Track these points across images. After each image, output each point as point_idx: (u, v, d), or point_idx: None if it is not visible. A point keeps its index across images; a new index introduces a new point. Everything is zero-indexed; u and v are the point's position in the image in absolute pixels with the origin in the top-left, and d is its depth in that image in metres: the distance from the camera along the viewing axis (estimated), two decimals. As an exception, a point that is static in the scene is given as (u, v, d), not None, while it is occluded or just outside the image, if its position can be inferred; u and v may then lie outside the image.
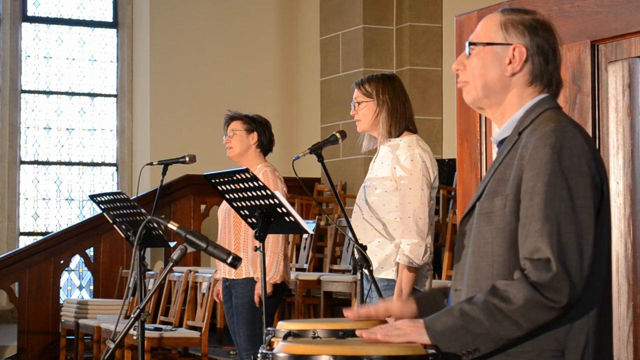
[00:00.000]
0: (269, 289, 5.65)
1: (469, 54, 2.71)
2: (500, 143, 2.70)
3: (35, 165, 11.81)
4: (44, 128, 11.86)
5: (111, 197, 5.41)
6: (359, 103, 4.83)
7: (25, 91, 11.74)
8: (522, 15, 2.71)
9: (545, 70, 2.68)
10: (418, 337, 2.52)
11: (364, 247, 4.52)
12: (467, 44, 2.72)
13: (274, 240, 5.69)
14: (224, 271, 5.83)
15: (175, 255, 3.07)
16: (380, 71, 5.11)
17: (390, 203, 4.70)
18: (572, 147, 2.53)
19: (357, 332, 2.59)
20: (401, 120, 4.80)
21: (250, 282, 5.68)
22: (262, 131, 5.91)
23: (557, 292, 2.45)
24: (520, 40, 2.67)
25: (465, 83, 2.73)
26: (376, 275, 4.63)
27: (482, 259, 2.60)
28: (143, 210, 5.31)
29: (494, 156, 2.77)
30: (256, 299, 5.62)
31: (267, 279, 5.63)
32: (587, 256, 2.49)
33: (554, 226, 2.48)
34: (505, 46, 2.67)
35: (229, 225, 5.79)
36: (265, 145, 5.93)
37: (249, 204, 4.88)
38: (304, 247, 9.51)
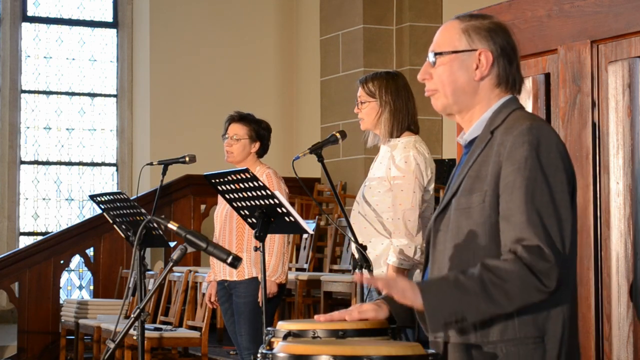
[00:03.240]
0: (275, 289, 5.67)
1: (434, 63, 2.78)
2: (470, 144, 2.79)
3: (35, 165, 11.81)
4: (44, 128, 11.86)
5: (111, 197, 5.41)
6: (362, 102, 4.83)
7: (25, 91, 11.74)
8: (480, 20, 2.79)
9: (510, 72, 2.78)
10: (412, 297, 2.60)
11: (364, 247, 4.53)
12: (431, 53, 2.79)
13: (279, 241, 5.70)
14: (223, 273, 5.82)
15: (175, 255, 3.07)
16: (383, 70, 5.10)
17: (384, 203, 4.71)
18: (549, 144, 2.64)
19: (356, 275, 2.64)
20: (403, 120, 4.79)
21: (253, 282, 5.68)
22: (265, 139, 5.89)
23: (549, 278, 2.56)
24: (484, 45, 2.76)
25: (433, 91, 2.82)
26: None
27: (463, 252, 2.68)
28: (143, 210, 5.31)
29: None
30: (260, 299, 5.63)
31: (273, 278, 5.66)
32: (567, 246, 2.60)
33: (537, 219, 2.58)
34: (471, 52, 2.76)
35: (230, 227, 5.78)
36: (264, 152, 5.94)
37: (249, 204, 4.88)
38: (304, 247, 9.51)
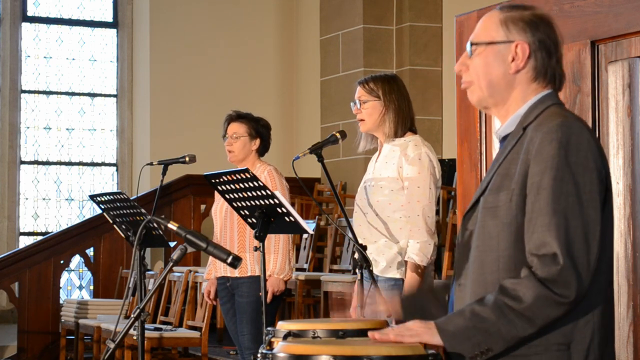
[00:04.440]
0: (282, 286, 5.69)
1: (471, 54, 2.71)
2: (504, 139, 2.70)
3: (35, 165, 11.81)
4: (44, 128, 11.86)
5: (111, 197, 5.41)
6: (363, 102, 4.80)
7: (25, 91, 11.74)
8: (521, 11, 2.70)
9: (549, 65, 2.68)
10: (430, 338, 2.53)
11: (364, 247, 4.52)
12: (468, 44, 2.71)
13: (284, 239, 5.71)
14: (225, 270, 5.82)
15: (175, 255, 3.07)
16: (381, 71, 5.10)
17: (396, 202, 4.70)
18: (579, 142, 2.53)
19: (370, 334, 2.58)
20: (406, 120, 4.80)
21: (255, 280, 5.67)
22: (264, 136, 5.89)
23: (565, 287, 2.46)
24: (521, 36, 2.67)
25: (469, 83, 2.72)
26: (384, 275, 4.64)
27: (488, 253, 2.60)
28: (143, 210, 5.31)
29: (494, 154, 2.76)
30: (270, 295, 5.63)
31: (282, 276, 5.68)
32: (593, 250, 2.50)
33: (561, 220, 2.48)
34: (508, 44, 2.67)
35: (231, 225, 5.79)
36: (265, 149, 5.94)
37: (249, 204, 4.88)
38: (304, 247, 9.51)
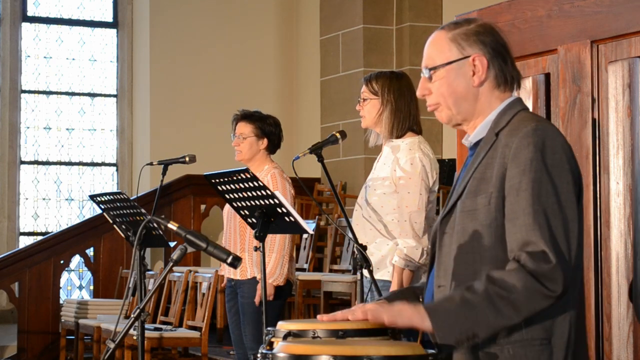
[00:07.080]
0: (271, 290, 5.65)
1: (431, 78, 2.79)
2: (475, 146, 2.79)
3: (35, 165, 11.81)
4: (44, 128, 11.86)
5: (111, 197, 5.41)
6: (364, 100, 4.83)
7: (25, 91, 11.74)
8: (466, 26, 2.79)
9: (506, 70, 2.78)
10: (420, 322, 2.58)
11: (364, 247, 4.52)
12: (425, 69, 2.79)
13: (280, 242, 5.67)
14: (229, 272, 5.83)
15: (175, 255, 3.06)
16: (388, 70, 5.10)
17: (389, 205, 4.70)
18: (554, 145, 2.64)
19: (361, 313, 2.62)
20: (404, 120, 4.79)
21: (256, 282, 5.67)
22: (273, 135, 5.86)
23: (554, 282, 2.55)
24: (476, 49, 2.75)
25: (436, 105, 2.83)
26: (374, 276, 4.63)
27: (468, 255, 2.68)
28: (143, 210, 5.31)
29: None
30: (256, 299, 5.61)
31: (270, 280, 5.62)
32: (573, 248, 2.60)
33: (543, 220, 2.57)
34: (464, 60, 2.75)
35: (234, 226, 5.79)
36: (275, 147, 5.90)
37: (249, 204, 4.88)
38: (304, 247, 9.51)
